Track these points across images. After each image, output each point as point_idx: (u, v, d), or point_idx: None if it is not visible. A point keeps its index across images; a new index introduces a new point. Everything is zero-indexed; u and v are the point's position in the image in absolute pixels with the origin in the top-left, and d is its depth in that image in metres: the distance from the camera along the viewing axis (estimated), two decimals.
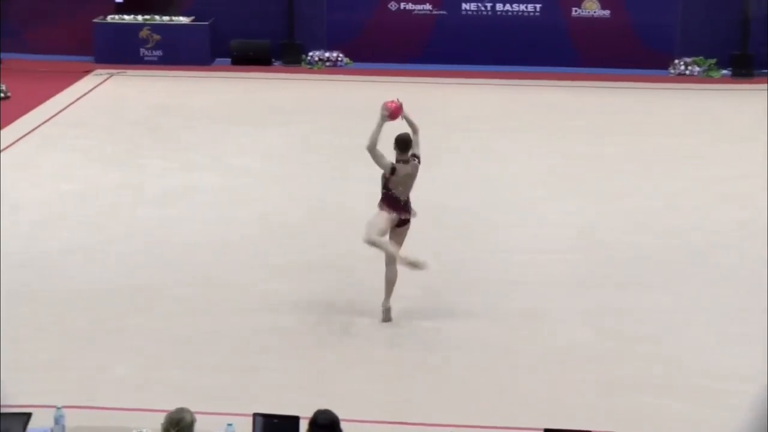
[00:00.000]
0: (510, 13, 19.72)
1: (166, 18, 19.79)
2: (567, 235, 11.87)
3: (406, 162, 9.69)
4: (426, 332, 9.64)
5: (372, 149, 9.62)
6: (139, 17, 19.77)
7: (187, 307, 10.14)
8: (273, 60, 19.76)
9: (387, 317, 9.71)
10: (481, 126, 16.11)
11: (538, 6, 19.62)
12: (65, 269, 10.90)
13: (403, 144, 9.70)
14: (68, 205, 12.65)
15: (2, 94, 17.02)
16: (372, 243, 9.64)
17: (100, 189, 13.14)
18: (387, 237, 9.73)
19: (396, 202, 9.65)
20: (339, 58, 19.68)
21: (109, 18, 19.80)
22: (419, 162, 9.78)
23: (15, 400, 7.28)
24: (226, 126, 15.95)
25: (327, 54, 19.68)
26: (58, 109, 16.74)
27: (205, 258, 11.19)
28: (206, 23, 19.75)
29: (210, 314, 9.98)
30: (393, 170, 9.61)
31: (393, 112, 9.87)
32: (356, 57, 19.73)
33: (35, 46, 19.94)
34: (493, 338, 9.53)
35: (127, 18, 19.79)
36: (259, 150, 14.87)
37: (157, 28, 19.66)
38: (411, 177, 9.70)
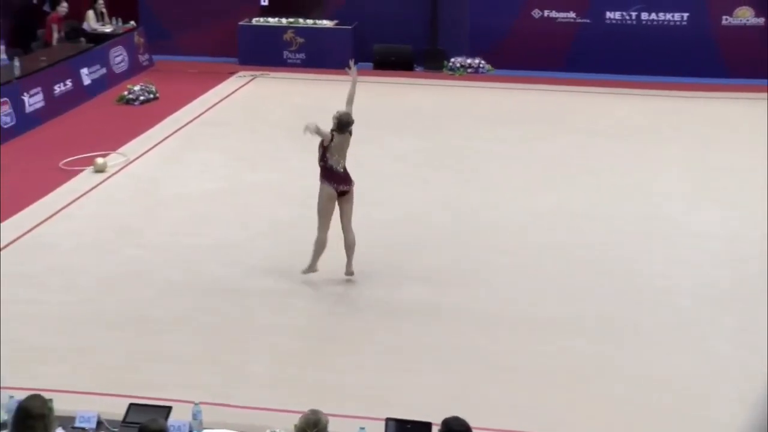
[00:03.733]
0: (656, 23, 19.39)
1: (310, 21, 20.02)
2: (713, 248, 11.60)
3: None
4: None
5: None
6: (284, 20, 20.06)
7: (326, 306, 10.23)
8: (415, 65, 19.83)
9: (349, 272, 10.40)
10: (625, 135, 15.87)
11: (686, 15, 19.25)
12: (207, 266, 11.10)
13: (346, 125, 10.24)
14: (212, 203, 12.89)
15: (152, 95, 17.47)
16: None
17: (242, 188, 13.36)
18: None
19: (331, 172, 10.21)
20: (481, 65, 19.63)
21: (254, 21, 20.13)
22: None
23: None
24: (365, 129, 15.92)
25: (469, 60, 19.65)
26: (204, 109, 17.10)
27: (342, 260, 11.25)
28: (350, 27, 19.91)
29: (350, 314, 10.04)
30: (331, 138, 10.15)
31: None
32: (498, 64, 19.66)
33: (184, 48, 20.46)
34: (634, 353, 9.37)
35: (272, 21, 20.09)
36: (398, 153, 14.92)
37: (301, 31, 19.91)
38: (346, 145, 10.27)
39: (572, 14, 19.65)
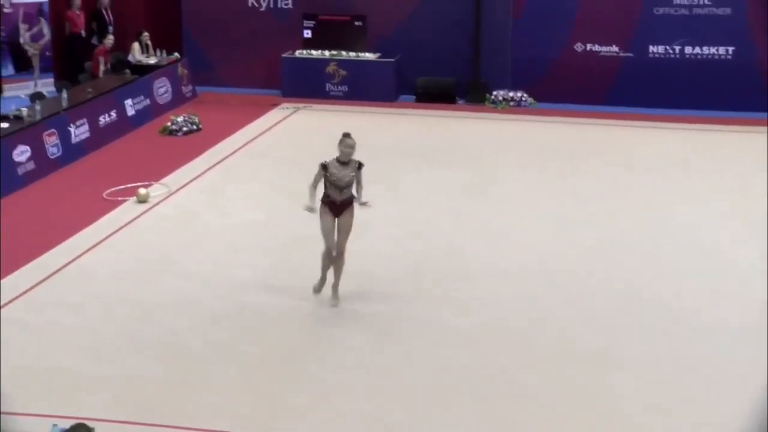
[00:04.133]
0: (700, 57, 19.31)
1: (352, 54, 20.11)
2: (757, 284, 11.48)
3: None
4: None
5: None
6: (327, 53, 20.15)
7: (369, 337, 10.21)
8: (457, 98, 19.85)
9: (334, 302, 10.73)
10: (668, 169, 15.78)
11: (731, 49, 19.15)
12: (248, 296, 11.12)
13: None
14: (253, 234, 12.93)
15: (195, 126, 17.60)
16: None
17: (283, 219, 13.39)
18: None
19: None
20: (523, 98, 19.61)
21: (297, 53, 20.25)
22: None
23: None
24: (408, 161, 16.08)
25: (511, 93, 19.64)
26: (246, 141, 17.19)
27: (387, 291, 11.25)
28: (392, 60, 19.98)
29: (393, 345, 10.02)
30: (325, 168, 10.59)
31: None
32: (540, 97, 19.64)
33: (227, 79, 20.61)
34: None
35: (315, 53, 20.19)
36: (438, 185, 14.92)
37: (343, 63, 20.00)
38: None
39: (615, 48, 19.61)
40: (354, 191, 10.74)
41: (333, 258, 10.76)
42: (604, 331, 10.37)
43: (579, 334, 10.30)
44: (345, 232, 10.75)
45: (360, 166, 10.69)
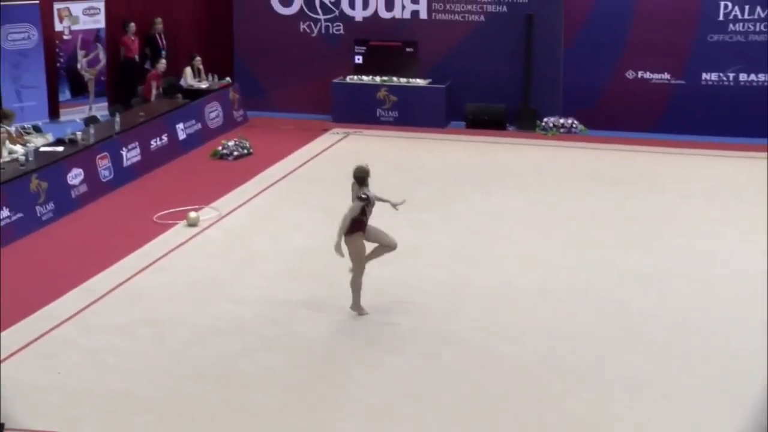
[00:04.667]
0: (755, 83, 19.14)
1: (403, 80, 20.15)
2: None
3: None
4: None
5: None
6: (377, 78, 20.21)
7: (420, 361, 10.18)
8: (507, 124, 19.81)
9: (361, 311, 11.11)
10: (720, 197, 15.65)
11: None
12: (297, 321, 11.14)
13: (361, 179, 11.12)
14: (303, 259, 12.95)
15: (246, 151, 17.70)
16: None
17: (331, 244, 13.39)
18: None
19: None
20: (573, 125, 19.54)
21: (348, 78, 20.32)
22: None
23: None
24: (458, 187, 16.05)
25: (562, 120, 19.58)
26: (296, 165, 17.25)
27: (436, 317, 11.23)
28: (443, 86, 19.99)
29: (444, 371, 9.99)
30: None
31: None
32: (591, 124, 19.55)
33: (278, 104, 20.73)
34: None
35: (366, 79, 20.26)
36: (489, 211, 14.88)
37: (394, 89, 20.04)
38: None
39: (667, 75, 19.49)
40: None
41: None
42: (653, 359, 10.27)
43: (627, 362, 10.21)
44: (377, 233, 11.29)
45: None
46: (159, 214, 14.47)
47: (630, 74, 19.66)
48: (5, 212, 13.48)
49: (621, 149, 18.42)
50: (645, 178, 16.62)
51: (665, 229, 14.18)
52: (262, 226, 14.14)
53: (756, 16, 19.06)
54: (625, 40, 19.54)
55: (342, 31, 20.62)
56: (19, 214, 13.71)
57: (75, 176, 15.00)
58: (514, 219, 14.61)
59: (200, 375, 9.88)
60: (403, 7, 20.36)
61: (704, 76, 19.35)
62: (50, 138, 16.25)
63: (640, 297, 11.83)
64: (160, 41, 20.18)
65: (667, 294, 11.92)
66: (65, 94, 19.46)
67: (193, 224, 14.09)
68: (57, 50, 19.29)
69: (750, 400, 9.42)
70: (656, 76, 19.56)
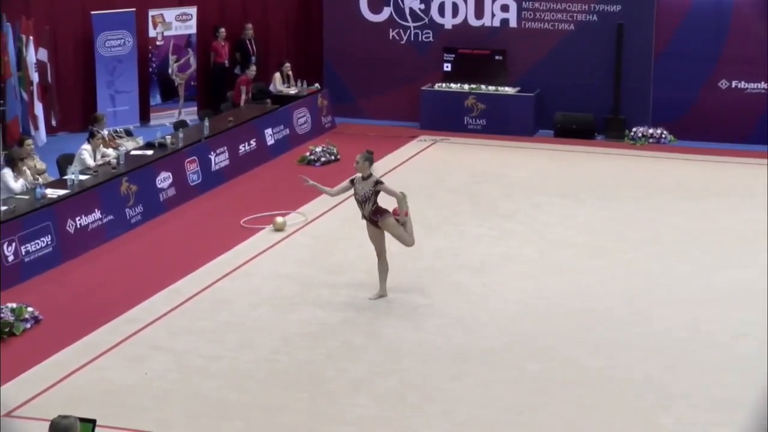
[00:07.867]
0: None
1: (491, 88, 20.04)
2: None
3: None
4: None
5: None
6: (466, 86, 20.12)
7: (503, 373, 10.09)
8: (596, 134, 19.60)
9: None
10: None
11: None
12: (387, 328, 11.12)
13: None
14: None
15: (333, 157, 17.74)
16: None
17: (419, 252, 13.36)
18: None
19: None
20: (663, 135, 19.26)
21: (437, 86, 20.28)
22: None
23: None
24: (545, 197, 15.90)
25: (651, 130, 19.31)
26: (384, 172, 17.15)
27: (524, 329, 11.13)
28: (531, 95, 19.85)
29: (529, 384, 9.89)
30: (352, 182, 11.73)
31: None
32: (681, 134, 19.25)
33: (366, 111, 20.77)
34: None
35: (454, 86, 20.19)
36: (578, 222, 14.72)
37: (482, 97, 19.95)
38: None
39: (764, 85, 19.11)
40: (376, 202, 11.64)
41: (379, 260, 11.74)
42: (747, 378, 10.03)
43: (719, 381, 9.98)
44: (383, 236, 11.69)
45: (377, 183, 11.62)
46: (246, 218, 14.55)
47: (723, 83, 19.32)
48: (97, 214, 13.68)
49: (711, 160, 18.09)
50: (737, 190, 16.29)
51: (755, 242, 13.86)
52: (349, 232, 14.13)
53: None
54: (719, 49, 19.20)
55: (431, 39, 20.58)
56: (110, 216, 13.90)
57: (164, 179, 15.16)
58: (602, 230, 14.42)
59: (287, 382, 9.88)
60: (493, 15, 20.25)
61: None
62: (141, 142, 16.47)
63: (733, 312, 11.58)
64: (250, 47, 20.34)
65: (760, 309, 11.64)
66: (156, 99, 19.77)
67: (279, 229, 14.15)
68: (150, 56, 19.59)
69: None
70: (752, 85, 19.18)
